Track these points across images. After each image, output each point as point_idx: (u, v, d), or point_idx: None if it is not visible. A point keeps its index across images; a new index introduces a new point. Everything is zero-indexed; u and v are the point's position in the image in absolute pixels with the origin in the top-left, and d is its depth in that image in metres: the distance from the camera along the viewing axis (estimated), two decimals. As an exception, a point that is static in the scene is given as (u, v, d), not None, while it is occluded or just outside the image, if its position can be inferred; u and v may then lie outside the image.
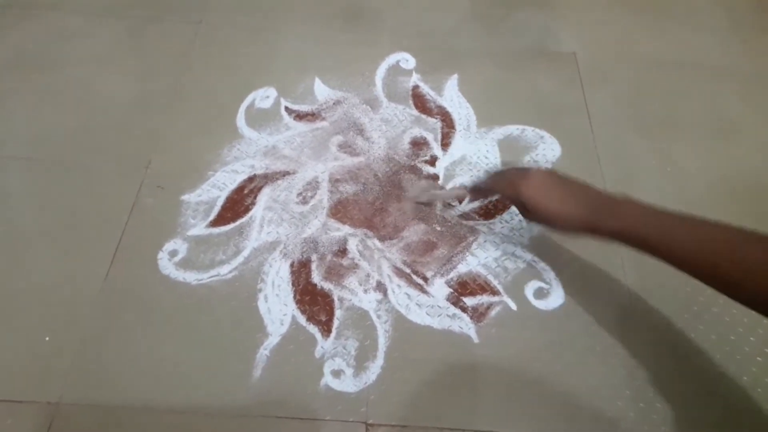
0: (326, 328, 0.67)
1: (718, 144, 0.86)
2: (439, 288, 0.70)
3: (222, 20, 0.98)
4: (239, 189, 0.77)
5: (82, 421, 0.60)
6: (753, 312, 0.70)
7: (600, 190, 0.60)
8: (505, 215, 0.76)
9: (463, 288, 0.70)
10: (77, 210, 0.74)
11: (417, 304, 0.69)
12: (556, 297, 0.70)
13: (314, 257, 0.72)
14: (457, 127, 0.85)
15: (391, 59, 0.94)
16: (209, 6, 1.00)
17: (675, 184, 0.81)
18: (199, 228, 0.73)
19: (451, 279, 0.71)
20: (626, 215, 0.56)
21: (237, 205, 0.76)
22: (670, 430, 0.62)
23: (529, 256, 0.73)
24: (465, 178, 0.80)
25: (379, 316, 0.68)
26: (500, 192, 0.67)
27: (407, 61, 0.94)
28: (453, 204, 0.77)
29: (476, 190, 0.72)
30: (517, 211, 0.76)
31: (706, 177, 0.82)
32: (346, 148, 0.82)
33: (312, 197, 0.77)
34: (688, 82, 0.94)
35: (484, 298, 0.70)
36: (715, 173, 0.83)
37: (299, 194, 0.77)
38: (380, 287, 0.70)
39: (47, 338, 0.65)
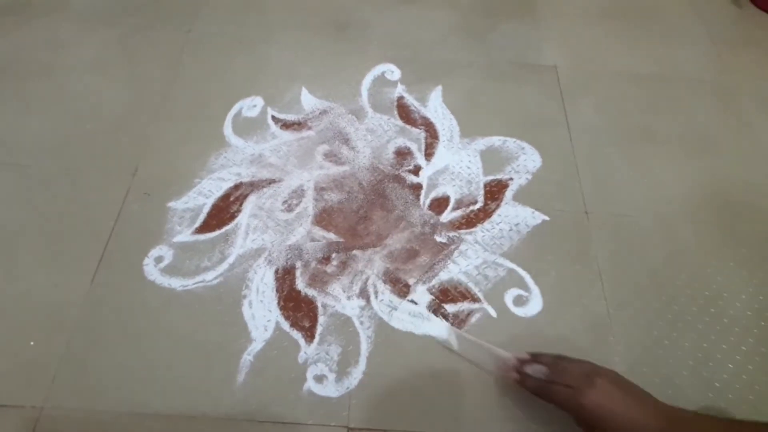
0: (309, 334, 0.68)
1: (695, 156, 0.89)
2: (421, 295, 0.71)
3: (211, 30, 0.99)
4: (225, 196, 0.78)
5: (66, 425, 0.61)
6: (726, 321, 0.73)
7: (664, 403, 0.56)
8: (486, 224, 0.78)
9: (445, 295, 0.72)
10: (64, 216, 0.75)
11: (399, 311, 0.70)
12: (535, 304, 0.72)
13: (299, 264, 0.73)
14: (441, 137, 0.87)
15: (377, 70, 0.96)
16: (199, 15, 1.01)
17: (651, 195, 0.83)
18: (185, 235, 0.74)
19: (433, 286, 0.72)
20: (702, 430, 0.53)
21: (223, 212, 0.77)
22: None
23: (509, 265, 0.75)
24: (446, 187, 0.81)
25: (361, 323, 0.69)
26: (558, 402, 0.58)
27: (392, 72, 0.95)
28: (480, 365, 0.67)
29: (528, 382, 0.60)
30: (498, 221, 0.78)
31: (682, 188, 0.85)
32: (332, 157, 0.84)
33: (297, 205, 0.78)
34: (666, 95, 0.97)
35: (464, 305, 0.71)
36: (691, 184, 0.85)
37: (284, 202, 0.78)
38: (363, 294, 0.71)
39: (32, 343, 0.65)
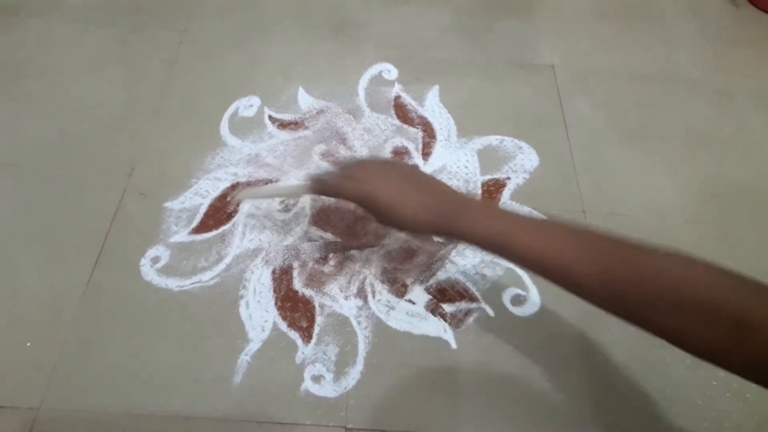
0: (307, 334, 0.68)
1: (692, 155, 0.89)
2: (419, 295, 0.71)
3: (207, 29, 0.99)
4: (222, 196, 0.78)
5: (63, 426, 0.61)
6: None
7: (454, 191, 0.57)
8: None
9: (442, 295, 0.72)
10: (60, 217, 0.75)
11: (397, 311, 0.70)
12: (533, 303, 0.72)
13: (296, 264, 0.73)
14: (438, 137, 0.87)
15: (374, 69, 0.95)
16: (194, 15, 1.01)
17: (648, 195, 0.84)
18: (182, 235, 0.74)
19: (431, 286, 0.72)
20: (477, 218, 0.53)
21: (220, 212, 0.77)
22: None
23: (506, 264, 0.75)
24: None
25: (359, 323, 0.69)
26: (346, 194, 0.58)
27: (390, 71, 0.95)
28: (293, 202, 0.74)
29: (319, 185, 0.61)
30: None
31: (679, 187, 0.85)
32: (329, 156, 0.83)
33: (294, 205, 0.78)
34: (663, 94, 0.97)
35: (462, 305, 0.71)
36: (688, 184, 0.85)
37: (281, 202, 0.78)
38: (361, 294, 0.71)
39: (28, 344, 0.65)
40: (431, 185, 0.58)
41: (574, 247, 0.49)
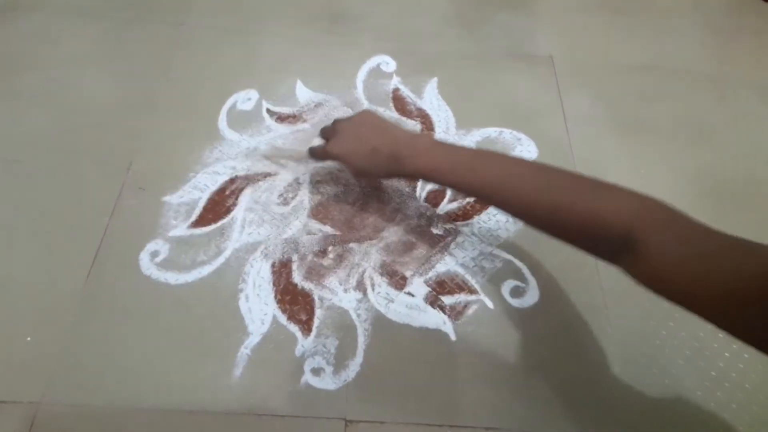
0: (306, 327, 0.68)
1: (690, 146, 0.89)
2: (418, 287, 0.71)
3: (204, 22, 0.98)
4: (220, 190, 0.78)
5: (64, 421, 0.61)
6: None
7: (405, 133, 0.68)
8: (483, 216, 0.78)
9: (441, 287, 0.72)
10: (58, 211, 0.75)
11: (396, 303, 0.70)
12: (532, 295, 0.72)
13: (295, 257, 0.73)
14: (437, 129, 0.87)
15: (372, 62, 0.95)
16: (191, 8, 1.00)
17: (647, 186, 0.82)
18: (181, 229, 0.74)
19: (430, 278, 0.72)
20: (423, 154, 0.63)
21: (218, 206, 0.76)
22: (639, 425, 0.64)
23: (506, 256, 0.75)
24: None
25: (358, 315, 0.69)
26: (327, 156, 0.73)
27: (388, 63, 0.95)
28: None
29: (312, 152, 0.77)
30: (494, 213, 0.78)
31: (677, 178, 0.85)
32: (327, 149, 0.83)
33: (293, 198, 0.78)
34: (662, 85, 0.97)
35: (461, 297, 0.71)
36: (686, 175, 0.85)
37: (280, 195, 0.78)
38: (360, 286, 0.71)
39: (29, 338, 0.65)
40: (385, 132, 0.68)
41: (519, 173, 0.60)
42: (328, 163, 0.81)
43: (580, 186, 0.56)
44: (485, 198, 0.64)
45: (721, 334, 0.70)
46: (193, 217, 0.75)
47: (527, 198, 0.58)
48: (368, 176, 0.71)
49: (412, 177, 0.64)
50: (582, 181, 0.57)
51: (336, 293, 0.70)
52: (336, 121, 0.74)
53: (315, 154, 0.76)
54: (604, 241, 0.52)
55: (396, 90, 0.92)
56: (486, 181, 0.60)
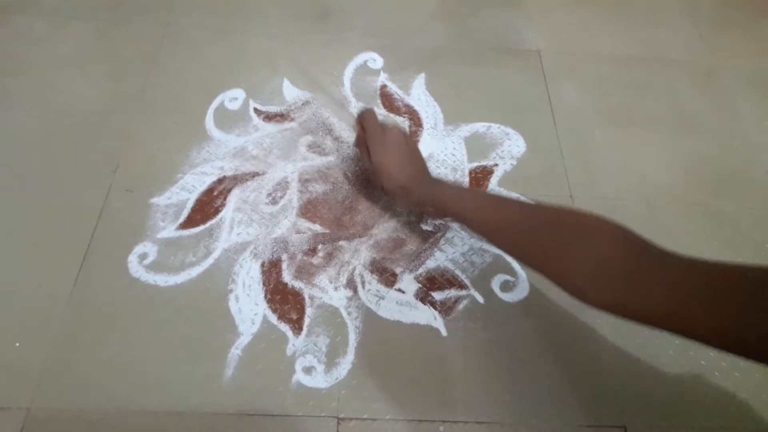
0: (297, 326, 0.68)
1: (679, 137, 0.89)
2: (408, 284, 0.71)
3: (190, 22, 0.98)
4: (209, 191, 0.78)
5: (54, 425, 0.60)
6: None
7: (425, 164, 0.70)
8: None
9: (432, 283, 0.72)
10: (45, 215, 0.74)
11: (386, 300, 0.70)
12: (522, 289, 0.72)
13: (284, 257, 0.73)
14: (425, 125, 0.87)
15: (359, 59, 0.95)
16: (177, 7, 0.99)
17: (636, 178, 0.84)
18: (169, 230, 0.74)
19: (420, 274, 0.72)
20: (452, 198, 0.64)
21: (206, 206, 0.76)
22: (628, 416, 0.64)
23: (495, 251, 0.75)
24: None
25: (349, 313, 0.69)
26: (371, 152, 0.68)
27: (375, 60, 0.95)
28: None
29: (364, 124, 0.71)
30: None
31: (666, 170, 0.85)
32: (315, 148, 0.83)
33: (282, 197, 0.78)
34: (649, 77, 0.97)
35: (452, 293, 0.71)
36: (675, 166, 0.86)
37: (269, 195, 0.78)
38: (350, 284, 0.71)
39: (17, 344, 0.65)
40: (422, 166, 0.69)
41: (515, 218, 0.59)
42: (317, 161, 0.81)
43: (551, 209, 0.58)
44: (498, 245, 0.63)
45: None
46: (182, 219, 0.75)
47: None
48: (394, 192, 0.67)
49: (449, 213, 0.65)
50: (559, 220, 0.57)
51: (326, 292, 0.70)
52: (386, 127, 0.69)
53: (366, 131, 0.70)
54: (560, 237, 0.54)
55: (383, 87, 0.91)
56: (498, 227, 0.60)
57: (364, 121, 0.70)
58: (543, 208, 0.58)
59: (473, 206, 0.62)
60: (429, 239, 0.75)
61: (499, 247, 0.63)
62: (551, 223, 0.55)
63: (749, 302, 0.39)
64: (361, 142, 0.70)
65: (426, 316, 0.69)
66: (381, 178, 0.67)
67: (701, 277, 0.44)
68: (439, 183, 0.68)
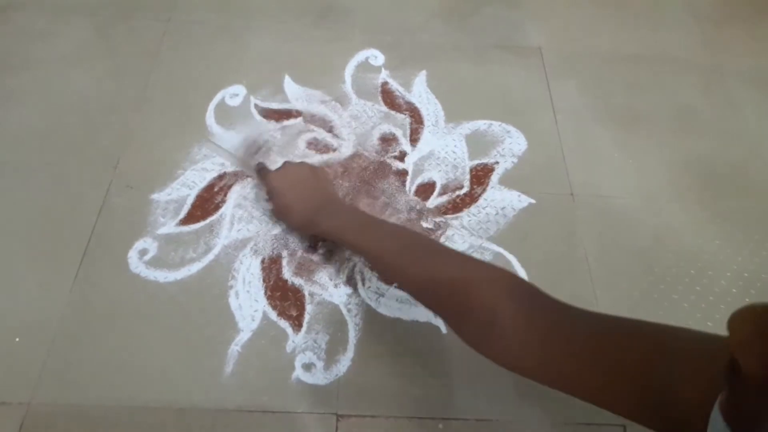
0: (297, 323, 0.68)
1: (680, 135, 0.89)
2: (408, 281, 0.71)
3: (190, 18, 0.98)
4: (209, 187, 0.78)
5: (54, 421, 0.60)
6: (712, 299, 0.73)
7: (331, 194, 0.73)
8: (473, 209, 0.78)
9: (432, 280, 0.72)
10: (46, 211, 0.74)
11: (386, 298, 0.70)
12: (522, 287, 0.72)
13: (285, 253, 0.73)
14: (426, 122, 0.87)
15: (360, 56, 0.95)
16: (178, 4, 0.99)
17: (637, 176, 0.84)
18: (170, 226, 0.74)
19: (420, 272, 0.72)
20: (337, 219, 0.66)
21: (207, 203, 0.76)
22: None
23: (496, 248, 0.75)
24: (432, 172, 0.81)
25: (349, 310, 0.69)
26: (268, 188, 0.72)
27: (376, 57, 0.95)
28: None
29: (258, 170, 0.77)
30: (484, 205, 0.78)
31: (667, 168, 0.85)
32: (316, 144, 0.83)
33: (282, 194, 0.77)
34: (650, 75, 0.97)
35: (452, 290, 0.71)
36: (676, 164, 0.86)
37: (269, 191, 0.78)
38: (350, 281, 0.71)
39: (17, 339, 0.65)
40: (314, 192, 0.71)
41: (393, 243, 0.61)
42: (316, 158, 0.80)
43: (454, 259, 0.58)
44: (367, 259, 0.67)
45: (711, 323, 0.71)
46: (182, 215, 0.75)
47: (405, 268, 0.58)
48: (288, 225, 0.74)
49: (320, 234, 0.70)
50: (455, 256, 0.59)
51: (326, 288, 0.70)
52: (286, 162, 0.74)
53: (259, 172, 0.77)
54: (470, 311, 0.52)
55: (385, 83, 0.91)
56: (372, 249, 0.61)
57: (261, 172, 0.76)
58: (443, 263, 0.57)
59: (369, 246, 0.62)
60: (430, 236, 0.75)
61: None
62: (443, 283, 0.54)
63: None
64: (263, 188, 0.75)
65: (426, 313, 0.69)
66: (285, 220, 0.73)
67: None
68: (342, 215, 0.68)
